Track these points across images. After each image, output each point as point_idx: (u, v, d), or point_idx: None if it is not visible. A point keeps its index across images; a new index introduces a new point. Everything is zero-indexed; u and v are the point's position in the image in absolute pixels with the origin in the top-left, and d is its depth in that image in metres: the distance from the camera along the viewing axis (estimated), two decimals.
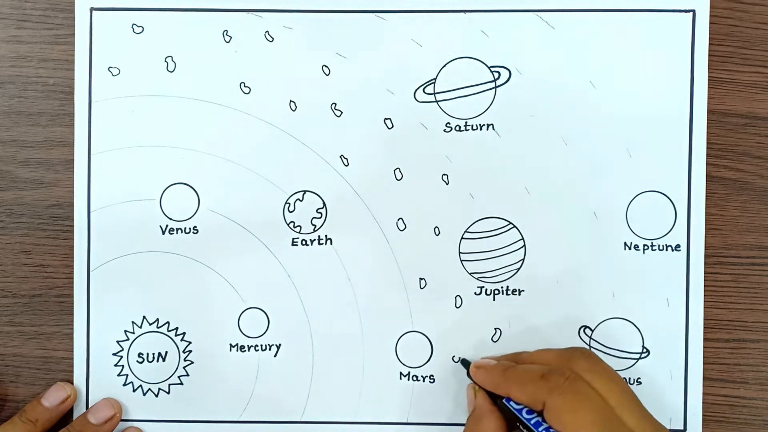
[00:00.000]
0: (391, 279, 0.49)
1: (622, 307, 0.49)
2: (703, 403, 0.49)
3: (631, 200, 0.49)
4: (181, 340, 0.49)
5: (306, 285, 0.49)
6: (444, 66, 0.49)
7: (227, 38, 0.49)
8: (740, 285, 0.49)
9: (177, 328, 0.49)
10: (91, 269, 0.49)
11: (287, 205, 0.49)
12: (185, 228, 0.49)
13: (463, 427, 0.48)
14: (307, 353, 0.49)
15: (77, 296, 0.49)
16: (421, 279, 0.49)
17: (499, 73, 0.49)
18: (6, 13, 0.49)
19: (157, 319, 0.49)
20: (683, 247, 0.49)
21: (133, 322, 0.49)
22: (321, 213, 0.49)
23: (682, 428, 0.48)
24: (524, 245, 0.49)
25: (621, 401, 0.41)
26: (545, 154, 0.49)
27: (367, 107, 0.49)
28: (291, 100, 0.49)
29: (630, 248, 0.49)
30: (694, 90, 0.48)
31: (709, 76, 0.48)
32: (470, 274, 0.49)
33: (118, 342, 0.49)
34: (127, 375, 0.49)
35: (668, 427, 0.48)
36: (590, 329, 0.49)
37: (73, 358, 0.49)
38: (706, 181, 0.48)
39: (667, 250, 0.49)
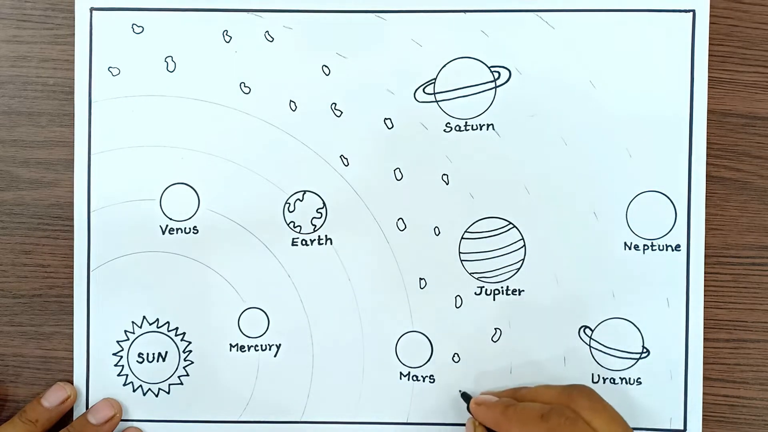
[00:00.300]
0: (391, 279, 0.49)
1: (622, 307, 0.49)
2: (703, 403, 0.49)
3: (631, 200, 0.49)
4: (181, 340, 0.49)
5: (306, 285, 0.49)
6: (444, 66, 0.49)
7: (227, 38, 0.49)
8: (740, 285, 0.49)
9: (177, 328, 0.49)
10: (91, 269, 0.49)
11: (287, 205, 0.49)
12: (185, 228, 0.49)
13: (463, 427, 0.48)
14: (307, 353, 0.49)
15: (77, 296, 0.49)
16: (421, 279, 0.49)
17: (499, 73, 0.49)
18: (6, 13, 0.49)
19: (157, 319, 0.49)
20: (683, 247, 0.49)
21: (133, 322, 0.49)
22: (321, 213, 0.49)
23: (682, 428, 0.48)
24: (524, 245, 0.49)
25: None
26: (545, 154, 0.49)
27: (367, 107, 0.49)
28: (291, 100, 0.49)
29: (630, 248, 0.49)
30: (694, 90, 0.48)
31: (709, 76, 0.48)
32: (470, 274, 0.49)
33: (118, 342, 0.49)
34: (127, 375, 0.49)
35: (668, 427, 0.48)
36: (590, 329, 0.49)
37: (73, 358, 0.49)
38: (706, 181, 0.48)
39: (667, 250, 0.49)
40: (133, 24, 0.49)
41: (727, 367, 0.49)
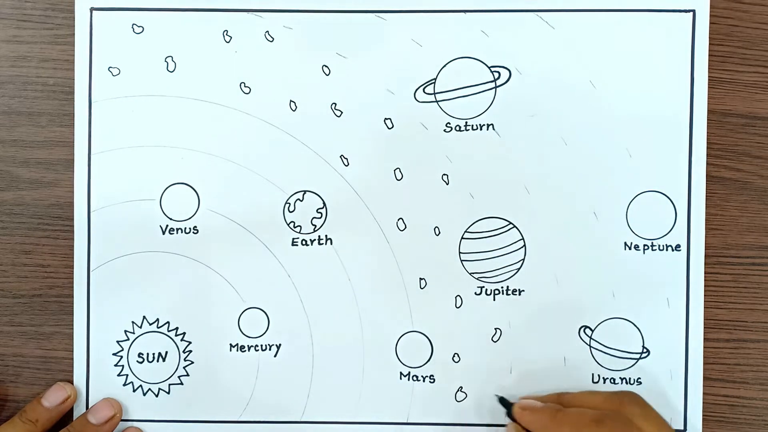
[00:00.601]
0: (391, 279, 0.49)
1: (622, 307, 0.49)
2: (703, 403, 0.49)
3: (631, 200, 0.49)
4: (181, 340, 0.49)
5: (306, 285, 0.49)
6: (444, 66, 0.49)
7: (227, 38, 0.49)
8: (740, 285, 0.49)
9: (177, 328, 0.49)
10: (91, 269, 0.49)
11: (287, 205, 0.49)
12: (185, 228, 0.49)
13: (462, 427, 0.48)
14: (307, 353, 0.49)
15: (77, 296, 0.49)
16: (421, 279, 0.49)
17: (499, 73, 0.49)
18: (6, 13, 0.49)
19: (157, 319, 0.49)
20: (683, 247, 0.49)
21: (133, 322, 0.49)
22: (321, 213, 0.49)
23: (682, 428, 0.48)
24: (524, 245, 0.49)
25: None
26: (545, 154, 0.49)
27: (367, 107, 0.49)
28: (291, 100, 0.49)
29: (630, 248, 0.49)
30: (694, 90, 0.48)
31: (709, 76, 0.48)
32: (470, 274, 0.49)
33: (118, 342, 0.49)
34: (127, 375, 0.49)
35: None
36: (590, 329, 0.49)
37: (73, 358, 0.49)
38: (706, 181, 0.48)
39: (667, 250, 0.49)
40: (133, 24, 0.49)
41: (727, 367, 0.49)
